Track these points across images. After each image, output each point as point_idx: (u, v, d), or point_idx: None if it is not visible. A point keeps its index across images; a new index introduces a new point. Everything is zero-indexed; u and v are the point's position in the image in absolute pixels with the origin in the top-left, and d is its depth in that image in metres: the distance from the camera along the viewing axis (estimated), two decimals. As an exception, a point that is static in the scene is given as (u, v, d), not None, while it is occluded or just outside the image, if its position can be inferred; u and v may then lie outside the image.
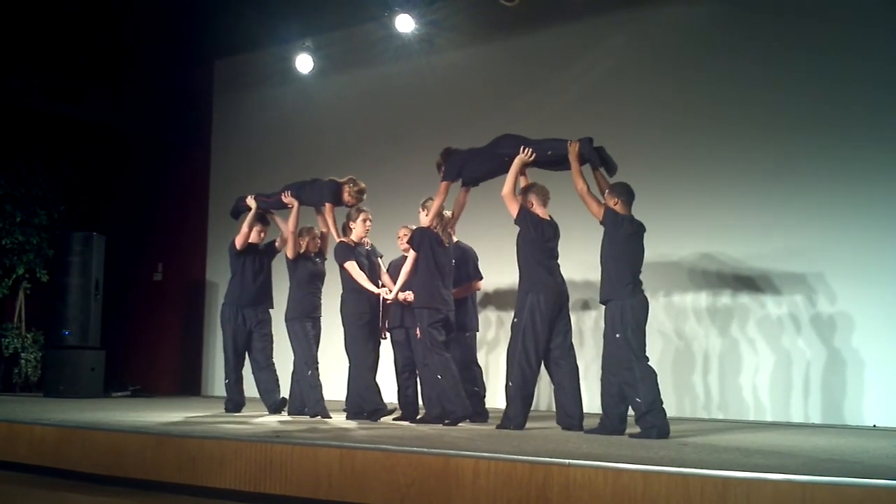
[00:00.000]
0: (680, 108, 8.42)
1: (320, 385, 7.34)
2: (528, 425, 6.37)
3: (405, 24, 9.57)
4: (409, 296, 6.82)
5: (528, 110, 8.95)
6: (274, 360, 7.82)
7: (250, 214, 7.81)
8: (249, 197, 7.90)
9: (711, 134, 8.21)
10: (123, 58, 11.52)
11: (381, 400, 6.97)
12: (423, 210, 6.92)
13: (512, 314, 6.45)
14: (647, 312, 5.82)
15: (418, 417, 6.92)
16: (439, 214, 6.77)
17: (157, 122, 11.99)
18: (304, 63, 10.51)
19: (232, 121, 11.80)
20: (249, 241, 7.79)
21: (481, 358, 8.45)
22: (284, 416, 7.32)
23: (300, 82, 10.82)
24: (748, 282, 7.84)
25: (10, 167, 11.22)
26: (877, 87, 7.48)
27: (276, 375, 7.75)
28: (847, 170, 7.52)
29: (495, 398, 8.86)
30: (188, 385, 11.67)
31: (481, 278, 7.37)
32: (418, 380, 7.00)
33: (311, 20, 10.29)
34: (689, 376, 8.05)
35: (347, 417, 7.07)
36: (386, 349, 7.30)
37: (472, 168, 6.74)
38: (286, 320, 7.46)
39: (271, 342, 7.80)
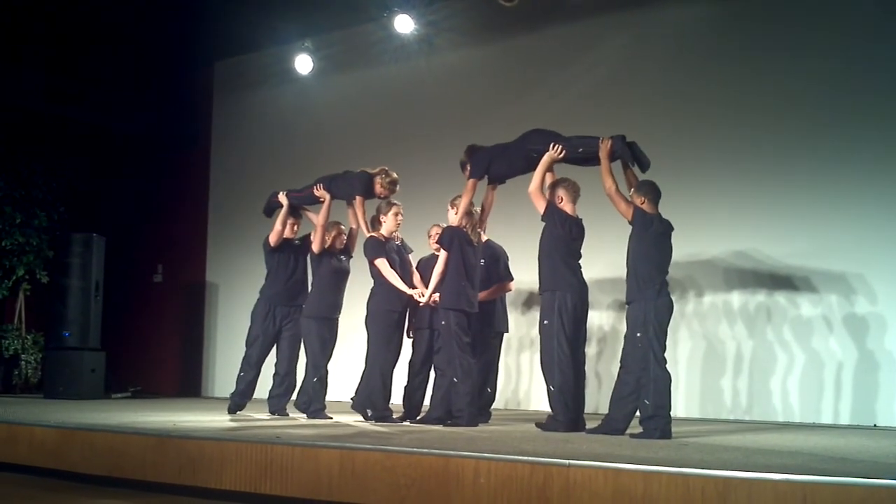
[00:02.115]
0: (691, 107, 8.34)
1: (325, 393, 7.24)
2: (526, 426, 6.38)
3: (404, 24, 9.57)
4: (438, 297, 6.64)
5: (527, 111, 8.92)
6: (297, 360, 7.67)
7: (283, 212, 7.65)
8: (281, 193, 7.73)
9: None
10: (123, 59, 11.52)
11: (389, 408, 6.83)
12: (453, 208, 6.73)
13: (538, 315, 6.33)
14: (671, 314, 5.73)
15: (419, 417, 6.89)
16: (468, 213, 6.61)
17: (157, 124, 11.99)
18: (303, 64, 10.51)
19: (231, 122, 11.80)
20: (284, 236, 7.68)
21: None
22: (285, 418, 7.29)
23: (299, 83, 10.82)
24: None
25: (10, 169, 11.21)
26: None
27: (294, 384, 7.62)
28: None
29: (508, 399, 8.89)
30: (188, 386, 11.67)
31: (512, 279, 7.19)
32: (430, 384, 6.90)
33: (310, 21, 10.29)
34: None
35: (352, 407, 7.00)
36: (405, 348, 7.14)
37: (499, 165, 6.60)
38: (304, 317, 7.33)
39: (298, 346, 7.60)
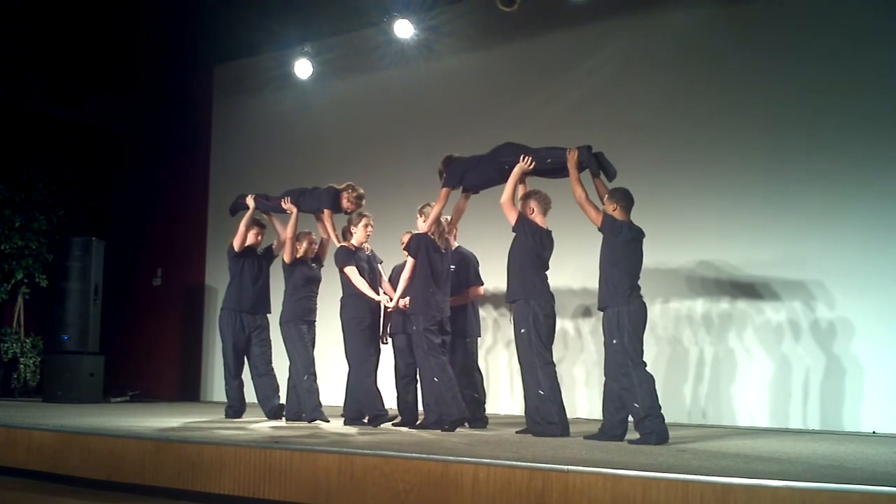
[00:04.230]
0: (678, 114, 8.43)
1: (317, 390, 7.36)
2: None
3: (404, 29, 9.57)
4: (408, 302, 6.84)
5: (526, 116, 8.96)
6: (273, 365, 7.86)
7: (247, 215, 7.85)
8: (249, 197, 7.93)
9: (710, 140, 8.21)
10: (124, 62, 11.53)
11: (382, 405, 6.95)
12: (421, 216, 6.95)
13: (511, 319, 6.43)
14: (645, 319, 5.81)
15: (417, 423, 6.91)
16: (437, 220, 6.79)
17: (157, 127, 11.99)
18: (303, 68, 10.51)
19: (231, 125, 11.80)
20: (247, 244, 7.80)
21: (482, 363, 8.43)
22: (282, 423, 7.31)
23: (299, 87, 10.82)
24: (747, 289, 7.84)
25: (10, 172, 11.21)
26: (877, 94, 7.50)
27: (276, 382, 7.79)
28: (847, 176, 7.52)
29: (496, 404, 8.89)
30: (187, 390, 11.66)
31: (482, 284, 7.36)
32: (419, 386, 6.99)
33: (310, 25, 10.29)
34: (686, 383, 8.02)
35: (345, 423, 7.06)
36: (387, 355, 7.28)
37: (472, 176, 6.77)
38: (281, 324, 7.50)
39: (270, 347, 7.83)
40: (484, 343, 8.85)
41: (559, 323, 6.48)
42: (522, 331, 6.25)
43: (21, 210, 11.25)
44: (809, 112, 7.77)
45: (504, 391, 9.04)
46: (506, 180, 6.46)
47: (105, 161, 12.56)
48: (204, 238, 11.86)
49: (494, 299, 8.84)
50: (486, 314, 8.95)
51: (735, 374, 7.82)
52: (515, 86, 9.43)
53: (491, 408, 8.41)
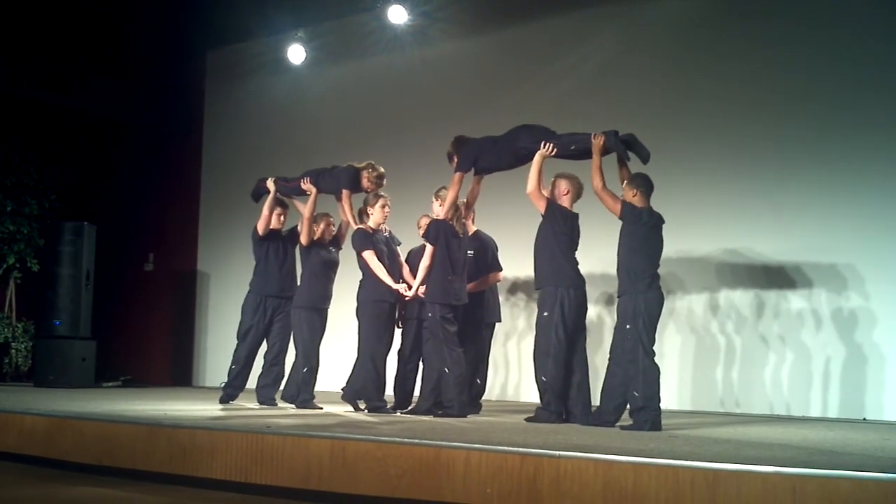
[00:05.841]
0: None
1: (313, 384, 7.26)
2: (516, 418, 6.38)
3: (398, 15, 9.56)
4: (424, 290, 6.68)
5: (519, 102, 8.92)
6: (287, 349, 7.68)
7: (270, 198, 7.63)
8: (269, 180, 7.72)
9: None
10: (116, 47, 11.47)
11: (383, 398, 6.84)
12: (437, 199, 6.76)
13: (534, 306, 6.32)
14: (661, 307, 5.75)
15: (409, 408, 6.90)
16: (454, 206, 6.61)
17: (150, 112, 11.96)
18: (296, 53, 10.49)
19: (224, 111, 11.77)
20: (271, 226, 7.66)
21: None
22: (275, 407, 7.30)
23: (292, 73, 10.80)
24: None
25: (1, 156, 11.16)
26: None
27: (282, 372, 7.62)
28: (872, 165, 7.42)
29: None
30: (179, 375, 11.66)
31: (501, 269, 7.19)
32: (420, 373, 6.91)
33: (303, 10, 10.27)
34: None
35: (342, 398, 7.01)
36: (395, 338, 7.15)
37: (487, 159, 6.56)
38: (294, 307, 7.36)
39: (288, 336, 7.60)
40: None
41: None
42: (545, 314, 6.13)
43: (12, 194, 11.19)
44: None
45: (505, 378, 9.03)
46: (520, 164, 6.31)
47: (97, 146, 12.51)
48: (196, 223, 11.85)
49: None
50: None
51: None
52: (509, 72, 9.41)
53: (492, 394, 8.42)
